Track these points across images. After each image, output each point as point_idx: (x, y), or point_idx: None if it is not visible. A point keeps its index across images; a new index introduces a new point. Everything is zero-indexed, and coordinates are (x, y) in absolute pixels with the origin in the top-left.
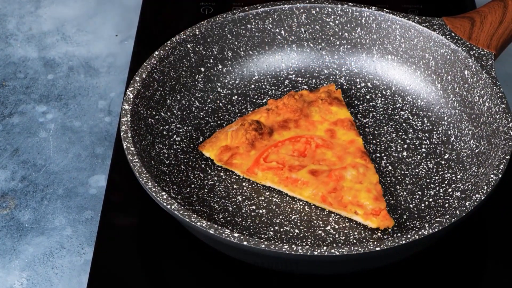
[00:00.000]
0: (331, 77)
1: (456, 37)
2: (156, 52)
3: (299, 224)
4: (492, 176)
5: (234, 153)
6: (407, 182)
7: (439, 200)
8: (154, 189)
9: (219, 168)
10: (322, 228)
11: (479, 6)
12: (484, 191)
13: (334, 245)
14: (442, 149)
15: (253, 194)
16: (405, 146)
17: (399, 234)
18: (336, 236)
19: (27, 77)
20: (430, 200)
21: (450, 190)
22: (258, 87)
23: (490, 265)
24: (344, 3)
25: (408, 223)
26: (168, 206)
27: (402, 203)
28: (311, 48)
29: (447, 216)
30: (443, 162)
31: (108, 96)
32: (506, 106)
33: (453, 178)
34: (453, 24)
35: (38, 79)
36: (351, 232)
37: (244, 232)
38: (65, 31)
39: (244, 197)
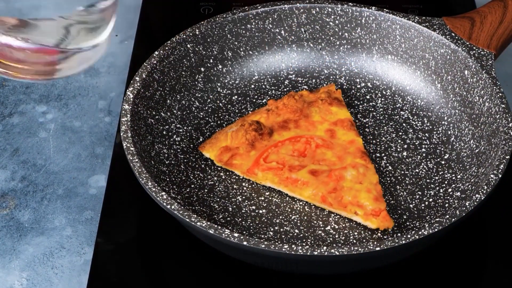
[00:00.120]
0: (331, 77)
1: (456, 37)
2: (156, 52)
3: (299, 224)
4: (492, 176)
5: (234, 153)
6: (407, 182)
7: (439, 200)
8: (154, 189)
9: (219, 168)
10: (322, 228)
11: (479, 6)
12: (484, 191)
13: (334, 245)
14: (442, 149)
15: (253, 194)
16: (405, 146)
17: (399, 234)
18: (336, 236)
19: None
20: (430, 200)
21: (450, 190)
22: (258, 87)
23: (490, 265)
24: (344, 3)
25: (408, 223)
26: (168, 206)
27: (402, 203)
28: (311, 48)
29: (447, 216)
30: (443, 162)
31: (108, 96)
32: (506, 106)
33: (453, 178)
34: (453, 24)
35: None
36: (351, 232)
37: (244, 232)
38: None
39: (244, 197)
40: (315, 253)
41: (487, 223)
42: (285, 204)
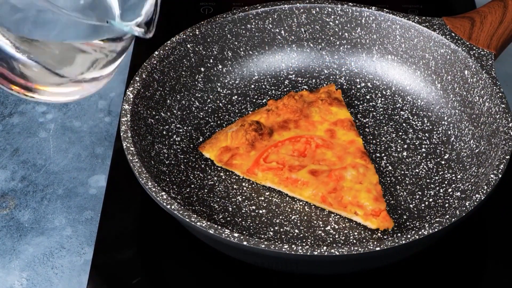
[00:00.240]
0: (331, 77)
1: (456, 37)
2: (156, 52)
3: (299, 224)
4: (492, 176)
5: (234, 153)
6: (407, 182)
7: (439, 200)
8: (154, 189)
9: (219, 168)
10: (322, 228)
11: (479, 6)
12: (484, 191)
13: (334, 245)
14: (442, 149)
15: (253, 194)
16: (405, 146)
17: (399, 234)
18: (336, 236)
19: None
20: (430, 200)
21: (450, 190)
22: (258, 87)
23: (490, 265)
24: (344, 3)
25: (408, 223)
26: (168, 206)
27: (402, 203)
28: (311, 48)
29: (447, 216)
30: (443, 162)
31: (108, 96)
32: (506, 106)
33: (453, 178)
34: (453, 24)
35: None
36: (351, 232)
37: (244, 232)
38: None
39: (244, 197)
40: (315, 253)
41: (487, 223)
42: (285, 204)
